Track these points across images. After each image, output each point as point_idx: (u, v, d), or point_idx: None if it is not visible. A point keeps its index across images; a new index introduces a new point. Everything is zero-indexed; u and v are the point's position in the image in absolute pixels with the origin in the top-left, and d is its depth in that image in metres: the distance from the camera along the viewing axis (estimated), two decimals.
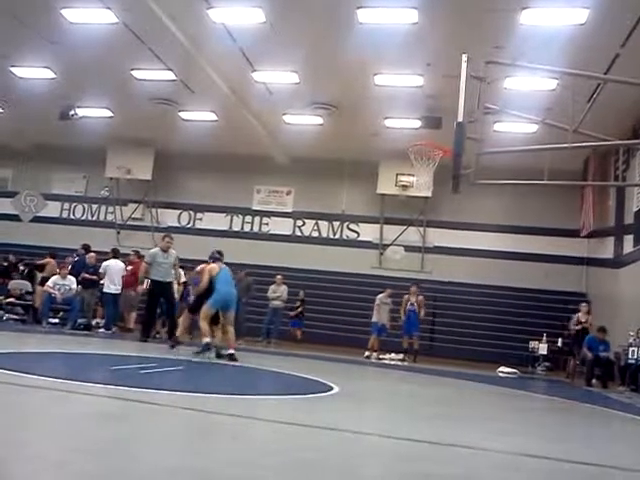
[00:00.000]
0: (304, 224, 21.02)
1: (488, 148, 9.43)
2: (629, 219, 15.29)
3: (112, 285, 13.61)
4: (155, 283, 11.67)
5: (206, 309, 9.58)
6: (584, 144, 9.51)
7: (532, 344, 15.69)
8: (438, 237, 19.92)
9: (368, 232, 20.51)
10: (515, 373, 14.10)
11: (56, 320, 14.10)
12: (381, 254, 20.34)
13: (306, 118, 17.30)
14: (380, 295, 15.54)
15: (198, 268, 10.71)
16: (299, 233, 21.04)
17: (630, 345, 12.37)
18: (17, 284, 15.55)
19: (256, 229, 21.37)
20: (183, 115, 18.08)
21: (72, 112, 17.49)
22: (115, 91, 16.89)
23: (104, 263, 13.83)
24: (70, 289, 13.89)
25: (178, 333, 10.82)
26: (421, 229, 20.11)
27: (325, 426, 4.52)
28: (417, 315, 15.18)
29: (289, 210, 21.20)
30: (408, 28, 11.90)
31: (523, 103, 12.42)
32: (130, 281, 13.93)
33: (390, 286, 16.07)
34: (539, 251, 18.90)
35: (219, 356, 9.47)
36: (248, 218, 21.39)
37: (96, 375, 6.61)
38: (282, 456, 3.40)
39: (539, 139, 11.86)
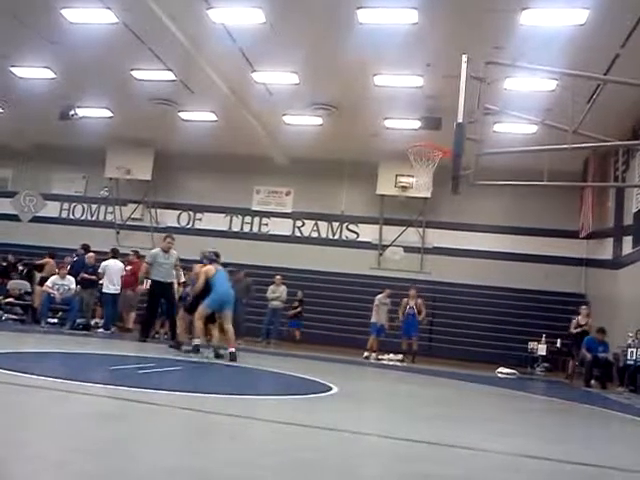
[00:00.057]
0: (303, 225, 21.04)
1: (488, 149, 9.43)
2: (628, 220, 15.29)
3: (111, 285, 13.59)
4: (156, 283, 11.67)
5: (202, 309, 9.59)
6: (584, 145, 9.50)
7: (531, 345, 15.69)
8: (437, 238, 19.93)
9: (367, 233, 20.52)
10: (514, 374, 14.08)
11: (55, 320, 14.08)
12: (380, 255, 20.35)
13: (306, 119, 17.31)
14: (379, 296, 15.54)
15: (195, 269, 10.70)
16: (298, 234, 21.05)
17: (629, 346, 12.39)
18: (16, 284, 15.54)
19: (255, 229, 21.38)
20: (183, 115, 18.08)
21: (72, 112, 17.50)
22: (115, 91, 16.89)
23: (103, 263, 13.81)
24: (69, 289, 13.87)
25: (178, 332, 10.83)
26: (420, 230, 20.12)
27: (324, 426, 4.51)
28: (416, 318, 15.19)
29: (288, 211, 21.21)
30: (408, 28, 11.91)
31: (523, 104, 12.43)
32: (129, 281, 13.94)
33: (389, 287, 16.08)
34: (538, 252, 18.91)
35: (218, 356, 9.47)
36: (247, 218, 21.40)
37: (95, 375, 6.60)
38: (281, 456, 3.40)
39: (539, 140, 11.86)
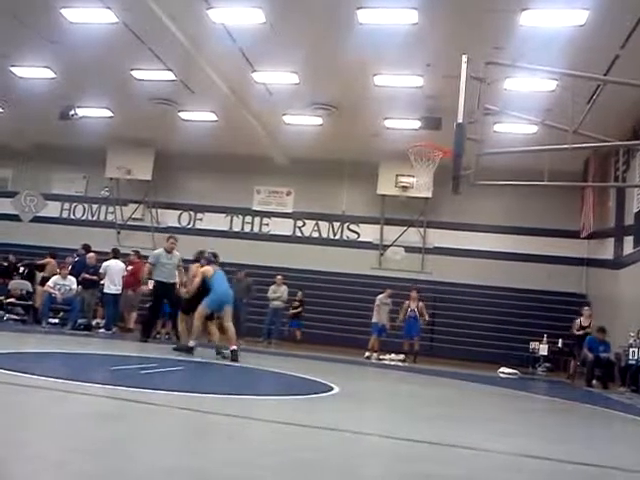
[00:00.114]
0: (304, 225, 21.03)
1: (488, 149, 9.42)
2: (629, 220, 15.28)
3: (112, 285, 13.59)
4: (159, 284, 11.68)
5: (202, 309, 9.59)
6: (584, 145, 9.50)
7: (532, 345, 15.67)
8: (438, 238, 19.92)
9: (368, 233, 20.51)
10: (516, 374, 14.08)
11: (56, 320, 14.09)
12: (381, 255, 20.34)
13: (306, 119, 17.30)
14: (380, 296, 15.53)
15: (191, 269, 10.67)
16: (299, 234, 21.04)
17: (630, 346, 12.36)
18: (17, 284, 15.54)
19: (256, 229, 21.37)
20: (183, 115, 18.07)
21: (72, 112, 17.49)
22: (115, 91, 16.89)
23: (104, 263, 13.81)
24: (70, 289, 13.87)
25: (179, 330, 10.83)
26: (421, 230, 20.11)
27: (325, 426, 4.50)
28: (417, 320, 15.18)
29: (289, 211, 21.20)
30: (408, 28, 11.90)
31: (523, 104, 12.41)
32: (130, 281, 13.94)
33: (390, 287, 16.07)
34: (539, 252, 18.89)
35: (219, 354, 9.47)
36: (248, 218, 21.40)
37: (96, 375, 6.59)
38: (280, 456, 3.39)
39: (539, 140, 11.85)
